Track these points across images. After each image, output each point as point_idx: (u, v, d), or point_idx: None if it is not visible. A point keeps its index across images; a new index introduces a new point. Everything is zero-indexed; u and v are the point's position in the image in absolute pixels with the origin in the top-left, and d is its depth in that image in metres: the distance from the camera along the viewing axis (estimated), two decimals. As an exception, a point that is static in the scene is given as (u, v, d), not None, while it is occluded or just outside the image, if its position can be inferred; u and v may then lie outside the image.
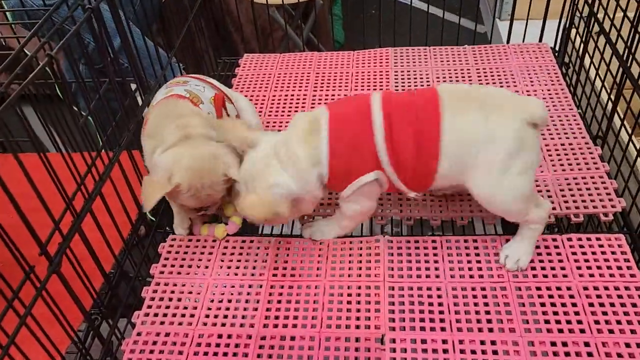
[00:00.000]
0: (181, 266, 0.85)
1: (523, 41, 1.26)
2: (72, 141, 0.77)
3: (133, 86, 0.97)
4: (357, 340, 0.74)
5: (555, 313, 0.74)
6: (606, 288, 0.76)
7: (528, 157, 0.73)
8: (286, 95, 1.18)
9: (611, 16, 0.96)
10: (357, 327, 0.75)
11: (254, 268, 0.84)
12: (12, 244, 0.61)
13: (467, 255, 0.83)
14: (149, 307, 0.80)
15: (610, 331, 0.71)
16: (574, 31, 1.18)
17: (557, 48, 1.26)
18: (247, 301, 0.80)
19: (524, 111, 0.73)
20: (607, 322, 0.72)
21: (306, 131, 0.77)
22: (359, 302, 0.78)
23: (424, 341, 0.73)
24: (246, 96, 1.18)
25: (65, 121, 0.75)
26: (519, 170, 0.73)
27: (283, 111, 1.14)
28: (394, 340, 0.73)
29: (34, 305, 0.63)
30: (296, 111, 1.14)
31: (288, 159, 0.76)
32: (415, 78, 1.19)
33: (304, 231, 0.89)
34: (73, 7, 0.72)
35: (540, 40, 1.27)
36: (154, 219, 1.00)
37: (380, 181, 0.77)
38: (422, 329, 0.74)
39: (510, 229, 0.92)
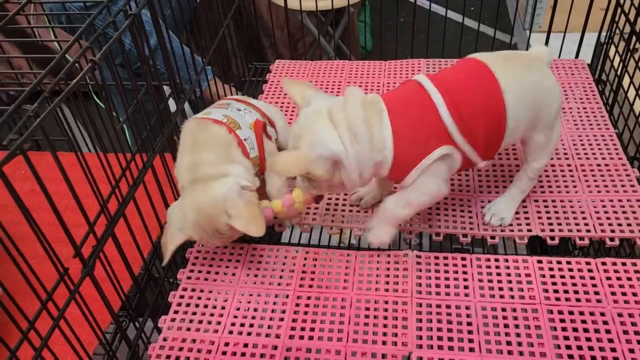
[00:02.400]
0: (208, 272, 0.86)
1: (559, 56, 1.24)
2: (105, 140, 0.78)
3: (166, 90, 0.98)
4: (383, 357, 0.73)
5: (588, 339, 0.72)
6: (642, 316, 0.74)
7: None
8: (317, 104, 1.17)
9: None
10: (384, 343, 0.74)
11: (280, 277, 0.84)
12: (48, 245, 0.62)
13: (498, 274, 0.81)
14: (176, 312, 0.80)
15: (646, 361, 0.69)
16: (611, 48, 1.15)
17: (591, 62, 1.23)
18: (273, 311, 0.79)
19: (542, 59, 0.82)
20: (642, 351, 0.70)
21: (366, 109, 0.73)
22: (385, 317, 0.77)
23: (451, 361, 0.71)
24: (277, 103, 1.19)
25: (101, 119, 0.76)
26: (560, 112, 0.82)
27: (313, 119, 1.14)
28: (421, 359, 0.72)
29: (67, 308, 0.64)
30: (326, 120, 1.13)
31: (345, 124, 0.72)
32: (447, 90, 1.18)
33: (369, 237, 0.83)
34: (115, 12, 0.73)
35: (577, 55, 1.24)
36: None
37: (452, 156, 0.75)
38: (450, 348, 0.73)
39: (535, 251, 0.91)
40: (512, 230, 0.87)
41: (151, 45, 0.86)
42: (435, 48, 1.28)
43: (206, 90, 1.40)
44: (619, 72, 1.08)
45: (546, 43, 1.26)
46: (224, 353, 0.74)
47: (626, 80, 1.06)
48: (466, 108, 0.74)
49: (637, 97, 1.01)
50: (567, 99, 1.12)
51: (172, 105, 0.98)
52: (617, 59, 1.09)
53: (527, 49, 1.52)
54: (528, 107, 0.77)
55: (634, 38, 1.02)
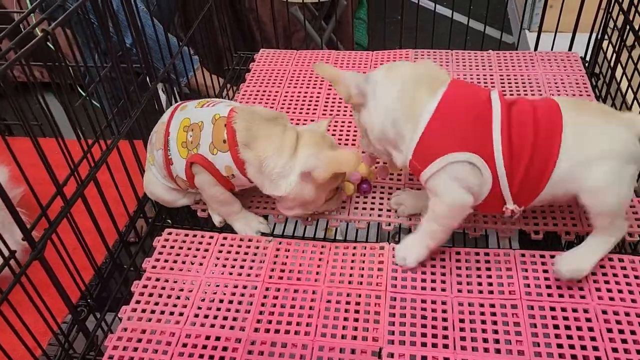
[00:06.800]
0: (175, 262, 0.82)
1: (552, 50, 1.20)
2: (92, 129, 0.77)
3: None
4: (352, 352, 0.69)
5: (570, 337, 0.68)
6: (627, 314, 0.70)
7: (637, 169, 0.71)
8: (299, 93, 1.14)
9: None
10: (354, 337, 0.70)
11: (250, 268, 0.80)
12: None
13: (477, 269, 0.77)
14: (137, 302, 0.76)
15: (630, 361, 0.65)
16: (606, 42, 1.12)
17: (587, 58, 1.20)
18: (239, 302, 0.75)
19: (635, 125, 0.70)
20: (626, 350, 0.66)
21: (424, 77, 0.72)
22: (357, 311, 0.73)
23: (424, 358, 0.67)
24: (259, 91, 1.15)
25: (75, 108, 0.74)
26: (632, 176, 0.70)
27: (295, 108, 1.10)
28: (392, 355, 0.68)
29: (10, 291, 0.60)
30: (309, 109, 1.10)
31: (394, 74, 0.74)
32: (434, 82, 1.14)
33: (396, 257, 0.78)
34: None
35: (570, 50, 1.20)
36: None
37: (482, 172, 0.68)
38: (424, 344, 0.69)
39: (526, 245, 0.87)
40: (496, 223, 0.83)
41: (127, 40, 0.82)
42: (432, 44, 1.25)
43: (192, 79, 1.36)
44: (612, 64, 1.04)
45: (537, 39, 1.23)
46: (184, 345, 0.70)
47: (619, 73, 1.02)
48: (519, 131, 0.68)
49: (630, 89, 0.97)
50: (558, 91, 1.08)
51: (162, 98, 0.95)
52: (610, 49, 1.05)
53: (517, 45, 1.49)
54: (583, 153, 0.69)
55: (627, 28, 0.99)
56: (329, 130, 1.04)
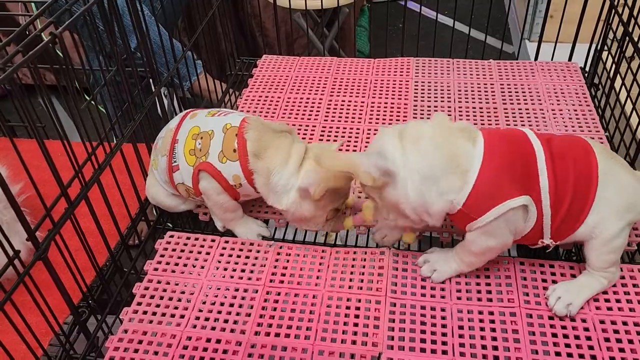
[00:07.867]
0: (176, 264, 0.82)
1: (552, 60, 1.21)
2: (96, 132, 0.78)
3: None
4: (352, 357, 0.69)
5: (568, 345, 0.69)
6: (625, 323, 0.70)
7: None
8: (301, 99, 1.15)
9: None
10: (354, 342, 0.71)
11: (251, 272, 0.80)
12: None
13: (477, 277, 0.78)
14: (139, 304, 0.77)
15: (627, 370, 0.65)
16: (605, 52, 1.13)
17: (587, 68, 1.21)
18: (240, 306, 0.76)
19: None
20: (623, 360, 0.66)
21: (455, 132, 0.68)
22: (357, 316, 0.74)
23: (423, 364, 0.68)
24: (261, 97, 1.16)
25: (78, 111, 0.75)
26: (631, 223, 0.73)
27: (297, 114, 1.11)
28: (391, 360, 0.68)
29: (13, 291, 0.60)
30: (310, 115, 1.11)
31: (414, 139, 0.68)
32: (436, 90, 1.15)
33: (422, 267, 0.79)
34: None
35: (570, 60, 1.22)
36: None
37: (529, 212, 0.68)
38: (422, 350, 0.69)
39: (524, 252, 0.87)
40: (494, 231, 0.84)
41: (132, 44, 0.83)
42: (429, 52, 1.26)
43: (195, 84, 1.37)
44: (611, 75, 1.05)
45: (537, 49, 1.25)
46: (185, 347, 0.71)
47: (618, 82, 1.03)
48: (561, 169, 0.69)
49: (629, 99, 0.98)
50: (558, 100, 1.10)
51: (165, 102, 0.96)
52: (610, 60, 1.06)
53: (517, 55, 1.50)
54: (612, 201, 0.70)
55: (626, 39, 1.00)
56: (330, 136, 1.05)
